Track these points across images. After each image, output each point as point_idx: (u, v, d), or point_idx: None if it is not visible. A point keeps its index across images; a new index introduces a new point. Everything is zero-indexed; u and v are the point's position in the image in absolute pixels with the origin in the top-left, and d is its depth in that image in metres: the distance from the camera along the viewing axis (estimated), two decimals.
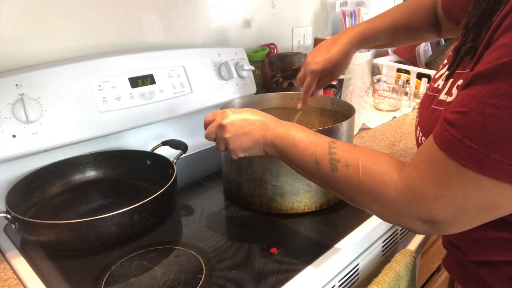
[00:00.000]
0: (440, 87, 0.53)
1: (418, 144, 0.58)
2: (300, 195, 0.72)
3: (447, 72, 0.52)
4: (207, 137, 0.63)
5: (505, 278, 0.52)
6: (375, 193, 0.47)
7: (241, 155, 0.60)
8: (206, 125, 0.63)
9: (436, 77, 0.57)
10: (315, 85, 0.82)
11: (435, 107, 0.52)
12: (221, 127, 0.60)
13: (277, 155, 0.57)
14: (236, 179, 0.76)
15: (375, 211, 0.49)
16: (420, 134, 0.56)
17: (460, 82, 0.48)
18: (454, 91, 0.48)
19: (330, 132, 0.70)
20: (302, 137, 0.55)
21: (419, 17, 0.81)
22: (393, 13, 0.82)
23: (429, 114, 0.53)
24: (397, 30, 0.81)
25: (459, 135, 0.39)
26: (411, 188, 0.44)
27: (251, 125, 0.58)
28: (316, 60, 0.80)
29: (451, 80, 0.51)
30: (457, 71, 0.50)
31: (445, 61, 0.57)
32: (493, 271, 0.54)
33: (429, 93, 0.56)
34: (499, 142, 0.37)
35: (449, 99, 0.49)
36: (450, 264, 0.63)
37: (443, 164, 0.41)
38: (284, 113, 0.94)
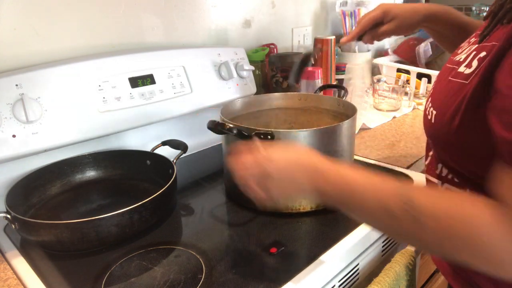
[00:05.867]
0: (461, 59, 0.51)
1: (425, 116, 0.55)
2: None
3: (476, 39, 0.51)
4: (241, 181, 0.54)
5: (498, 280, 0.52)
6: (465, 238, 0.40)
7: (281, 202, 0.54)
8: (238, 160, 0.54)
9: (459, 52, 0.55)
10: (371, 21, 0.80)
11: (451, 78, 0.50)
12: (265, 174, 0.50)
13: (335, 205, 0.49)
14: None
15: (468, 260, 0.41)
16: (430, 105, 0.53)
17: (482, 54, 0.46)
18: (475, 63, 0.46)
19: (331, 132, 0.70)
20: (365, 184, 0.46)
21: None
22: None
23: (444, 85, 0.51)
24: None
25: None
26: None
27: (297, 167, 0.50)
28: (394, 5, 0.79)
29: (473, 52, 0.49)
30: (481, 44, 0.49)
31: (472, 40, 0.56)
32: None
33: (448, 65, 0.55)
34: None
35: (468, 71, 0.47)
36: (441, 263, 0.63)
37: None
38: (285, 113, 0.94)
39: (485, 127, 0.43)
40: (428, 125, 0.55)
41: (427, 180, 0.64)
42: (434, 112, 0.52)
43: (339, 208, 0.49)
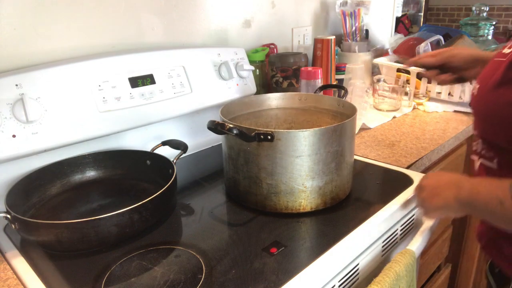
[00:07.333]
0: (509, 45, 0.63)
1: (472, 93, 0.67)
2: (295, 195, 0.72)
3: None
4: (415, 194, 0.71)
5: None
6: None
7: (436, 214, 0.68)
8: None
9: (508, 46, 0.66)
10: (433, 60, 0.89)
11: (495, 58, 0.62)
12: (420, 187, 0.68)
13: (469, 211, 0.62)
14: (234, 176, 0.77)
15: None
16: (477, 86, 0.65)
17: None
18: None
19: (331, 132, 0.70)
20: (485, 185, 0.59)
21: None
22: None
23: (490, 65, 0.63)
24: None
25: None
26: None
27: (443, 185, 0.63)
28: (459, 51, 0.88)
29: None
30: None
31: None
32: None
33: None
34: None
35: (507, 50, 0.59)
36: (482, 236, 0.75)
37: None
38: (285, 113, 0.94)
39: None
40: (472, 99, 0.68)
41: (470, 159, 0.75)
42: (477, 86, 0.65)
43: (469, 212, 0.62)
